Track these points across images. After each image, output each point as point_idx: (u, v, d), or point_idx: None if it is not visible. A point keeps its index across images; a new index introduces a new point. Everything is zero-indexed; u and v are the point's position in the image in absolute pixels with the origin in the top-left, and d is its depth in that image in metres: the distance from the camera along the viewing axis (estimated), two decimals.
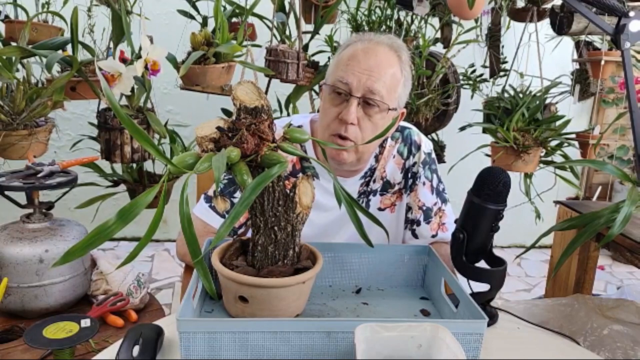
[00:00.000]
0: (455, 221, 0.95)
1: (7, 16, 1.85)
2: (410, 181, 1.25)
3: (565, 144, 1.88)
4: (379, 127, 1.09)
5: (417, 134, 1.25)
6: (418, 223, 1.25)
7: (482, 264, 0.94)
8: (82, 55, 1.65)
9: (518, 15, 2.18)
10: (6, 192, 1.40)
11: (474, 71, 2.20)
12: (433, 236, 1.25)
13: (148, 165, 1.99)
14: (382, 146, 1.23)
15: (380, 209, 1.25)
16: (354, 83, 1.06)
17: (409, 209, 1.26)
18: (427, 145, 1.26)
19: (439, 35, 2.27)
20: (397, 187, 1.25)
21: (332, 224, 1.21)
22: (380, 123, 1.09)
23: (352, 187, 1.21)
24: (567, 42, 2.33)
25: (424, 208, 1.24)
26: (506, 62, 2.26)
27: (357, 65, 1.06)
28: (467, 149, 1.84)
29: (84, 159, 1.66)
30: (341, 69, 1.08)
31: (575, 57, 2.30)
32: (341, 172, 1.19)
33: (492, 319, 0.95)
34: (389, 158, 1.23)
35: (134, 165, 1.98)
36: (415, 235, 1.26)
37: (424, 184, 1.24)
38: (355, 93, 1.06)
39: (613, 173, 1.24)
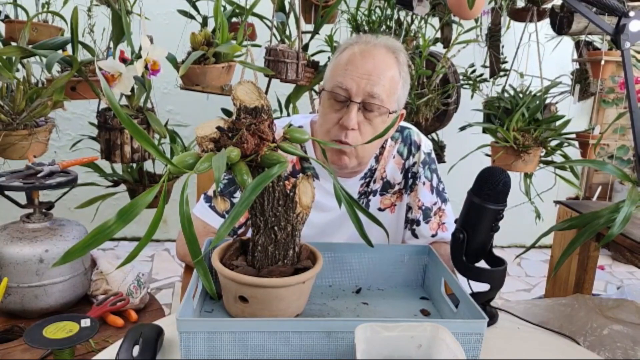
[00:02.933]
0: (455, 221, 0.95)
1: (7, 16, 1.85)
2: (410, 181, 1.25)
3: (565, 144, 1.88)
4: (379, 130, 1.08)
5: (416, 134, 1.25)
6: (418, 223, 1.25)
7: (482, 264, 0.94)
8: (82, 55, 1.65)
9: (518, 15, 2.18)
10: (6, 192, 1.40)
11: (474, 71, 2.20)
12: (433, 236, 1.25)
13: (148, 165, 1.99)
14: (382, 146, 1.23)
15: (380, 209, 1.25)
16: (353, 88, 1.05)
17: (409, 208, 1.26)
18: (426, 145, 1.26)
19: (439, 35, 2.27)
20: (397, 187, 1.25)
21: (332, 224, 1.21)
22: (380, 126, 1.09)
23: (352, 188, 1.21)
24: (567, 42, 2.33)
25: (424, 208, 1.24)
26: (506, 62, 2.26)
27: (355, 70, 1.06)
28: (467, 149, 1.84)
29: (84, 159, 1.66)
30: (339, 74, 1.08)
31: (575, 57, 2.30)
32: (341, 173, 1.19)
33: (492, 319, 0.95)
34: (389, 158, 1.23)
35: (134, 165, 1.98)
36: (415, 235, 1.26)
37: (423, 183, 1.24)
38: (355, 98, 1.06)
39: (613, 173, 1.25)
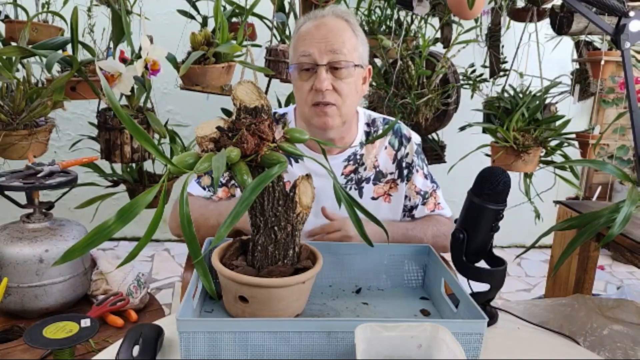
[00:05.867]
0: (455, 221, 0.96)
1: (7, 16, 1.85)
2: (405, 171, 1.30)
3: (565, 144, 1.88)
4: (352, 84, 1.16)
5: (405, 128, 1.33)
6: (416, 207, 1.31)
7: (482, 264, 0.94)
8: (82, 55, 1.65)
9: (518, 15, 2.18)
10: (6, 192, 1.40)
11: (474, 71, 2.20)
12: (431, 211, 1.32)
13: (148, 165, 1.99)
14: (370, 135, 1.29)
15: (373, 198, 1.29)
16: (315, 52, 1.12)
17: (406, 198, 1.32)
18: (416, 136, 1.34)
19: (439, 35, 2.27)
20: (389, 177, 1.30)
21: (324, 189, 1.22)
22: (352, 81, 1.16)
23: (335, 168, 1.25)
24: (567, 42, 2.32)
25: (422, 192, 1.31)
26: (506, 62, 2.26)
27: (313, 38, 1.14)
28: (467, 149, 1.84)
29: (84, 159, 1.66)
30: (300, 45, 1.15)
31: (575, 57, 2.30)
32: (326, 148, 1.23)
33: (492, 319, 0.95)
34: (380, 149, 1.29)
35: (134, 165, 1.98)
36: (413, 218, 1.32)
37: (417, 171, 1.31)
38: (321, 61, 1.12)
39: (613, 173, 1.25)
